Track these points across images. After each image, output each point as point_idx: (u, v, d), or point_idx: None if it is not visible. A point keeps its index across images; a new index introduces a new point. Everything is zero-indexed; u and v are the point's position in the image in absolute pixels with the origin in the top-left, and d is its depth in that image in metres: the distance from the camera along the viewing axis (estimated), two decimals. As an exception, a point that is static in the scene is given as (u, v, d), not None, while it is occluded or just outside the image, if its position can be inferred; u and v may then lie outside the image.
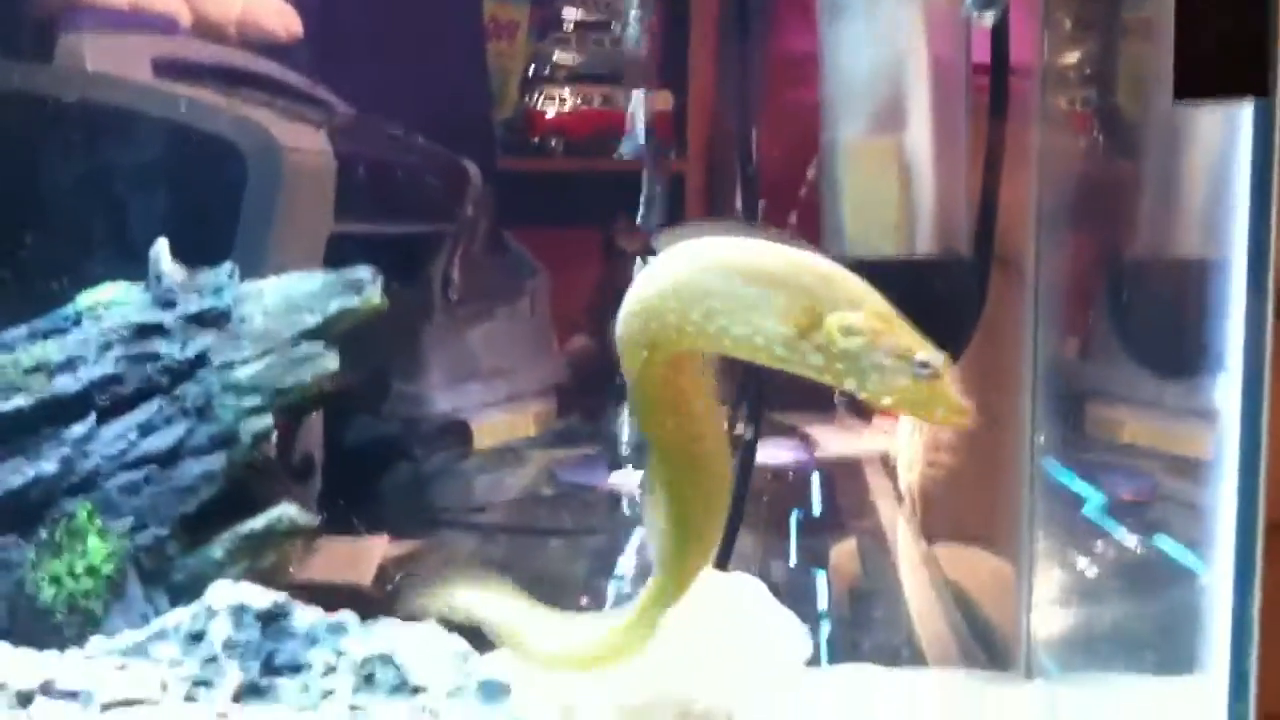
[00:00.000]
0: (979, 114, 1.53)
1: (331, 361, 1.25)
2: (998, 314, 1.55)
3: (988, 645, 1.64)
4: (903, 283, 0.92)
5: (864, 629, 1.73)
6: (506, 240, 2.31)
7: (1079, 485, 1.48)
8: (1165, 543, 1.15)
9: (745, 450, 1.57)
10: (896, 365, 0.85)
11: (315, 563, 1.40)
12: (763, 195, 1.62)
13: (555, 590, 1.46)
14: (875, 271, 0.90)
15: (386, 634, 1.01)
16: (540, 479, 2.20)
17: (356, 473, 2.01)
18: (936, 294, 1.50)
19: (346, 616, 1.01)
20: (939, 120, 1.50)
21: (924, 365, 0.84)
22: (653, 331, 0.93)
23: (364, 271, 1.32)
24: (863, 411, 2.40)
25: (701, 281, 0.91)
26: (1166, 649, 0.95)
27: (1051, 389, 1.54)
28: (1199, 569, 0.87)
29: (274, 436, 1.34)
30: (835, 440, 2.31)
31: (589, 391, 2.42)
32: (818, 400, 2.47)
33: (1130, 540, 1.39)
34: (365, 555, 1.80)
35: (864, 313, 0.86)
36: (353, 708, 0.96)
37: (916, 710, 1.50)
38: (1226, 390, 0.85)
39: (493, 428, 2.28)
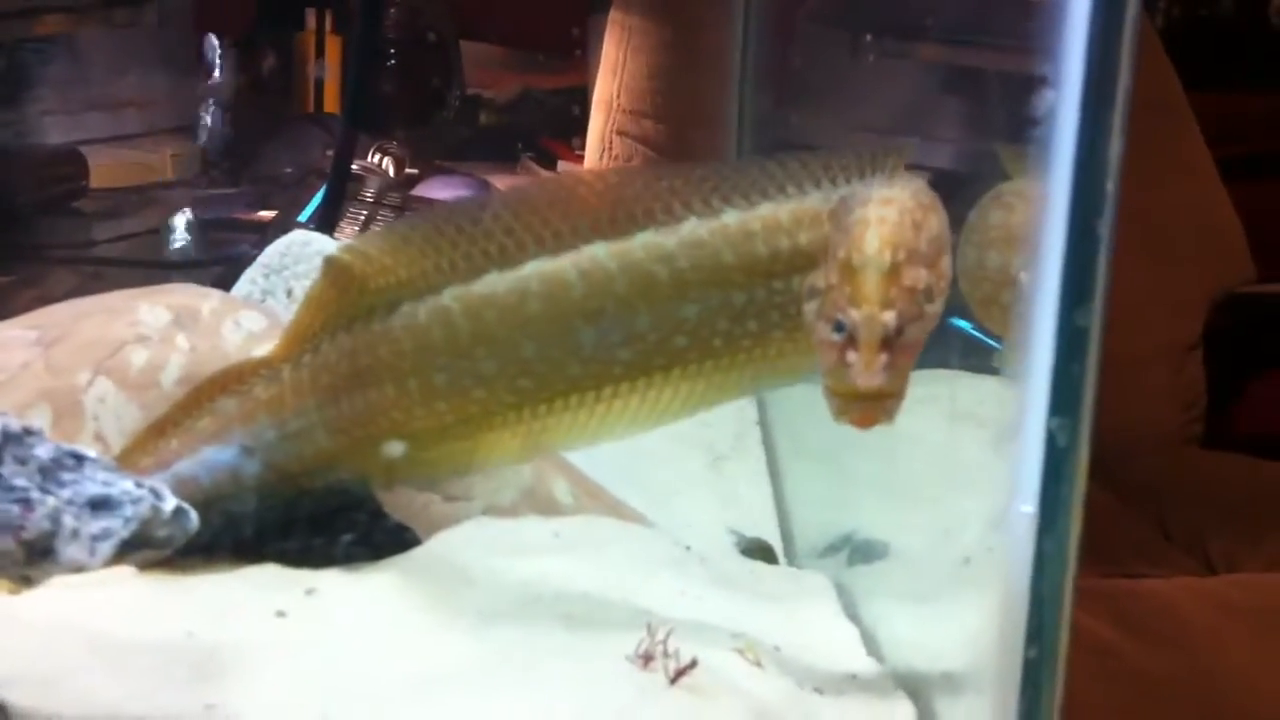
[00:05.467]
0: None
1: None
2: None
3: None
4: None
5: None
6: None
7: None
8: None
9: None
10: (823, 327, 0.69)
11: None
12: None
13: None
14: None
15: None
16: (169, 218, 1.90)
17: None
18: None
19: None
20: None
21: (839, 328, 0.67)
22: None
23: None
24: (550, 163, 2.24)
25: None
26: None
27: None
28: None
29: None
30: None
31: (240, 130, 2.12)
32: (502, 151, 2.28)
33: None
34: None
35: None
36: None
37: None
38: None
39: (118, 166, 1.97)
